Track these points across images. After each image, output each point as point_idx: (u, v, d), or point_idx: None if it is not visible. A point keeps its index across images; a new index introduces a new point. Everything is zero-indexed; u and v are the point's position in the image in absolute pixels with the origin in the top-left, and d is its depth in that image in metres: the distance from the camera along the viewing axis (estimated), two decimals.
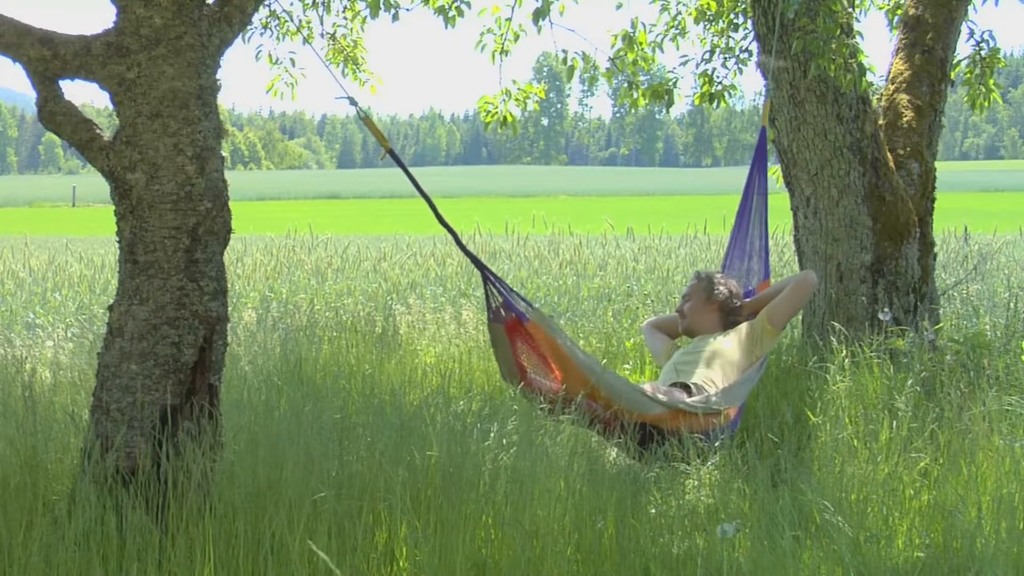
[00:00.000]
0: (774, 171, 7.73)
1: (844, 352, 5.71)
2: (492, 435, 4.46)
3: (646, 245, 13.49)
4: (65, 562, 3.62)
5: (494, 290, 5.56)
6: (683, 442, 5.06)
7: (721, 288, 6.22)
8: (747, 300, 6.37)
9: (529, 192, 59.31)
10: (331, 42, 7.98)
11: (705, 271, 6.46)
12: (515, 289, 5.94)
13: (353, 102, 5.61)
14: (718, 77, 7.80)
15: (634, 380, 7.00)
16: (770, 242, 6.90)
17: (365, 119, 5.61)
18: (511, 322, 5.50)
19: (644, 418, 5.47)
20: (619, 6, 7.75)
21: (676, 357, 6.20)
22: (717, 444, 5.30)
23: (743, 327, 6.14)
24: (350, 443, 4.32)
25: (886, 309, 6.48)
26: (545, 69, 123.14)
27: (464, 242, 5.84)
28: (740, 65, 7.80)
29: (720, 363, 5.97)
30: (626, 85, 7.71)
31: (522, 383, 5.49)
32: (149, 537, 3.69)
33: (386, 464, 4.11)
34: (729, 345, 6.05)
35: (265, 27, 7.85)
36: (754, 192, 6.91)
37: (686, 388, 5.78)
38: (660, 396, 5.59)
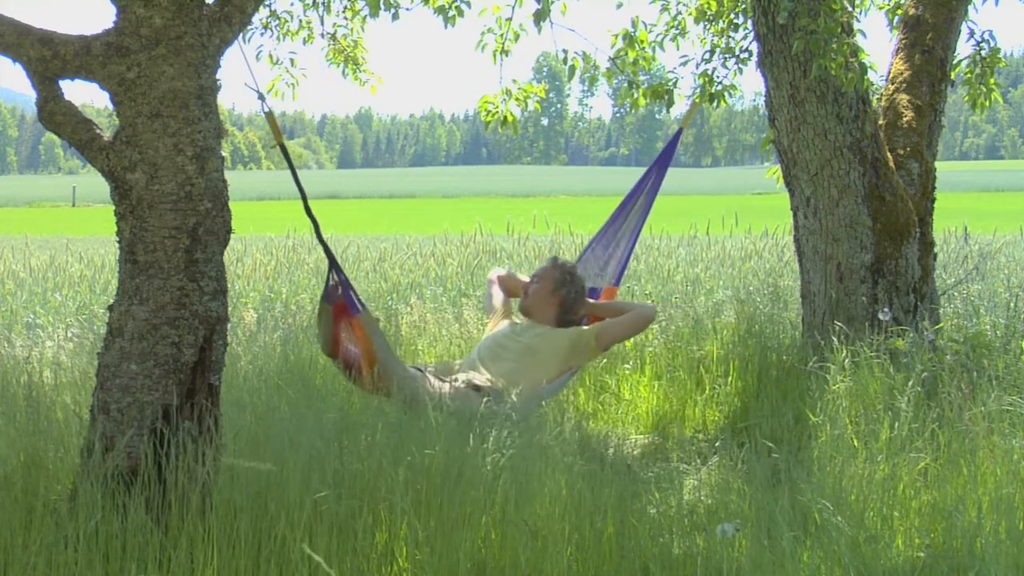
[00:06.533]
0: (774, 171, 7.73)
1: (844, 352, 5.71)
2: (492, 435, 4.46)
3: (646, 245, 13.47)
4: (66, 562, 3.62)
5: (335, 277, 5.88)
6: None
7: (569, 286, 6.31)
8: (589, 300, 6.45)
9: (529, 192, 59.24)
10: (331, 42, 7.99)
11: (563, 260, 6.52)
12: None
13: (260, 97, 5.81)
14: (718, 77, 7.80)
15: (633, 379, 7.01)
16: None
17: (268, 115, 5.92)
18: (340, 306, 5.82)
19: None
20: (619, 5, 7.76)
21: (500, 334, 6.30)
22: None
23: (572, 333, 6.23)
24: (350, 443, 4.33)
25: (886, 309, 6.48)
26: (545, 69, 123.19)
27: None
28: (740, 65, 7.80)
29: (533, 365, 6.08)
30: (626, 85, 7.71)
31: (337, 357, 5.86)
32: (150, 537, 3.69)
33: (386, 464, 4.11)
34: (550, 348, 6.16)
35: (265, 27, 7.85)
36: (643, 191, 6.97)
37: (482, 393, 5.84)
38: (449, 403, 5.55)
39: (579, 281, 6.39)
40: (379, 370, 5.68)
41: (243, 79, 6.34)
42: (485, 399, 5.73)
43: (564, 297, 6.32)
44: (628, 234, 6.91)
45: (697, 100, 7.65)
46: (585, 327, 6.33)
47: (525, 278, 6.63)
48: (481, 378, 5.96)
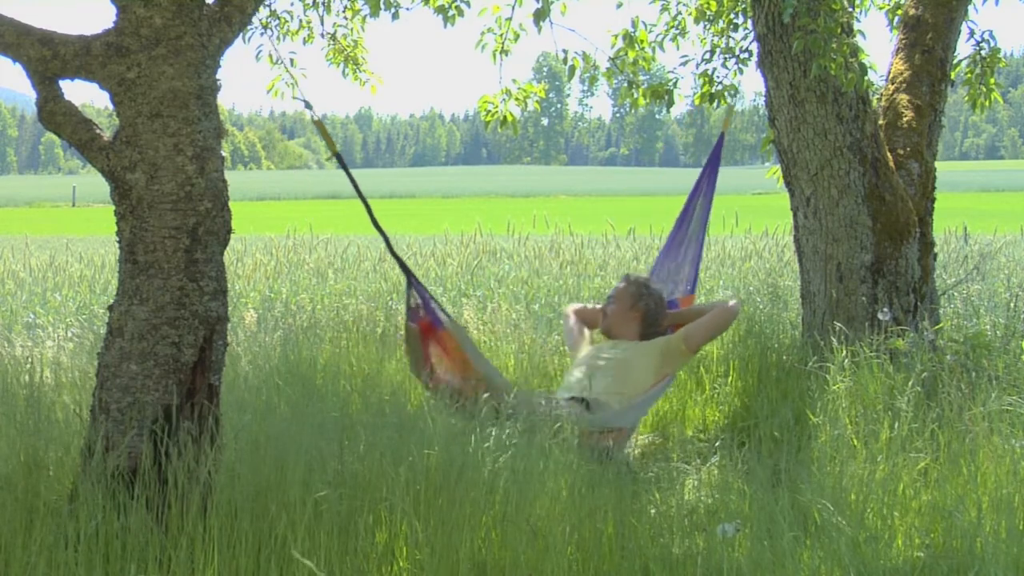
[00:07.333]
0: (774, 171, 7.74)
1: (844, 352, 5.72)
2: (492, 435, 4.47)
3: (646, 245, 13.48)
4: (66, 562, 3.62)
5: (416, 294, 5.77)
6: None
7: (647, 299, 6.27)
8: (669, 311, 6.42)
9: (529, 192, 59.23)
10: (331, 42, 7.99)
11: (636, 275, 6.48)
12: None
13: (308, 106, 5.80)
14: (718, 77, 7.80)
15: None
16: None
17: (317, 123, 5.83)
18: (425, 324, 5.73)
19: None
20: (619, 5, 7.76)
21: (588, 356, 6.25)
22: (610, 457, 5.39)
23: (660, 341, 6.19)
24: (351, 443, 4.33)
25: (886, 309, 6.48)
26: (545, 69, 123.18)
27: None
28: (740, 65, 7.80)
29: (628, 377, 6.03)
30: (626, 85, 7.71)
31: (429, 377, 5.73)
32: (150, 537, 3.69)
33: (387, 464, 4.11)
34: (641, 358, 6.10)
35: (265, 27, 7.85)
36: (700, 196, 6.98)
37: (585, 403, 5.80)
38: (554, 412, 5.46)
39: (656, 292, 6.34)
40: (477, 379, 5.57)
41: (244, 80, 6.38)
42: (587, 405, 5.74)
43: (644, 309, 6.27)
44: (693, 241, 6.91)
45: (732, 109, 7.68)
46: (671, 335, 6.28)
47: (599, 306, 6.59)
48: (584, 392, 5.92)
